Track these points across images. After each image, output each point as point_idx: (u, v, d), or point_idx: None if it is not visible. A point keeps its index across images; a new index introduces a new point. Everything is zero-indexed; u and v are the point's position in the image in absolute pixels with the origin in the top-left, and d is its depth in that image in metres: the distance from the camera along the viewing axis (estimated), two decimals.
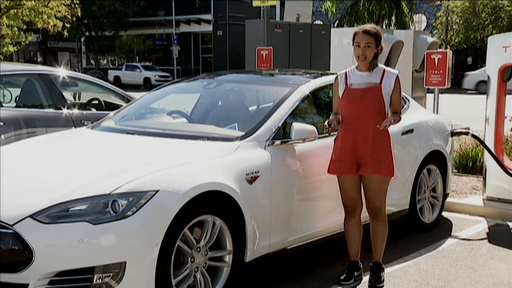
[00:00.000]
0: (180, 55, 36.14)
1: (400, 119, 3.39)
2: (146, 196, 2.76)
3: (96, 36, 38.41)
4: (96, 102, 6.02)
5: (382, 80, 3.32)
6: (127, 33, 40.02)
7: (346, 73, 3.45)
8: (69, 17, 23.38)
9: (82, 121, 5.27)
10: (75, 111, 5.47)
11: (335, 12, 18.44)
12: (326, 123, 3.31)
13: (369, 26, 3.35)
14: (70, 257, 2.62)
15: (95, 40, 38.46)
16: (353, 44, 3.35)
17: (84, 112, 5.59)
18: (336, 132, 3.51)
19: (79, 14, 25.50)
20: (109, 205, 2.72)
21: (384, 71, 3.36)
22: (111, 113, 4.39)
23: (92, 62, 42.29)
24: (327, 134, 3.59)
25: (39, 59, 45.61)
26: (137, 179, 2.83)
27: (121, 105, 5.58)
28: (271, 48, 8.46)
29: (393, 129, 3.98)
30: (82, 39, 40.90)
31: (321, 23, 33.63)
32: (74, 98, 6.69)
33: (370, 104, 3.28)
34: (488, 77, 5.23)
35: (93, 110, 5.84)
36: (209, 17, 37.93)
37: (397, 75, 3.37)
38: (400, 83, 3.37)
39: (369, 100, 3.29)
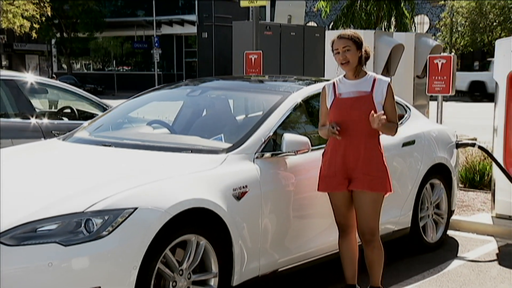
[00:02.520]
0: (161, 59, 36.16)
1: (396, 129, 3.44)
2: (123, 214, 2.76)
3: (69, 37, 38.33)
4: (69, 110, 6.02)
5: (373, 88, 3.38)
6: (103, 35, 40.02)
7: (334, 83, 3.51)
8: (38, 16, 23.30)
9: (53, 132, 5.26)
10: (45, 120, 5.45)
11: (329, 12, 18.62)
12: (333, 129, 3.29)
13: (344, 31, 3.46)
14: (38, 283, 2.60)
15: (67, 42, 38.37)
16: (333, 53, 3.42)
17: (55, 121, 5.57)
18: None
19: (49, 14, 25.41)
20: (82, 225, 2.71)
21: (374, 79, 3.43)
22: (85, 123, 4.39)
23: (64, 66, 42.15)
24: (321, 146, 3.63)
25: (3, 63, 45.34)
26: (114, 195, 2.83)
27: (96, 114, 5.58)
28: (261, 52, 8.52)
29: (392, 140, 4.04)
30: (53, 41, 40.82)
31: (315, 25, 33.94)
32: (50, 107, 6.68)
33: (361, 113, 3.33)
34: (496, 83, 5.30)
35: (65, 120, 5.82)
36: (193, 18, 38.09)
37: (389, 83, 3.43)
38: (392, 91, 3.43)
39: (360, 109, 3.34)
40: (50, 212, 2.74)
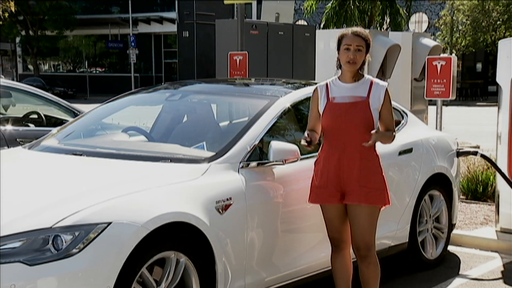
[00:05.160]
0: (138, 60, 36.07)
1: (393, 138, 3.48)
2: (95, 230, 2.75)
3: (35, 36, 38.06)
4: (35, 116, 5.98)
5: (369, 93, 3.41)
6: (74, 33, 39.84)
7: (327, 84, 3.52)
8: (0, 12, 23.12)
9: (18, 140, 5.22)
10: (8, 127, 5.42)
11: (315, 10, 18.73)
12: (303, 141, 3.34)
13: (359, 29, 3.48)
14: None
15: (34, 41, 38.11)
16: (338, 49, 3.43)
17: (20, 128, 5.54)
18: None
19: (13, 9, 25.24)
20: (50, 242, 2.70)
21: (371, 82, 3.45)
22: (54, 130, 4.38)
23: (30, 67, 41.86)
24: (311, 155, 3.65)
25: None
26: (85, 209, 2.82)
27: (66, 120, 5.56)
28: (246, 52, 8.55)
29: (388, 148, 4.07)
30: (17, 39, 40.49)
31: (305, 23, 34.12)
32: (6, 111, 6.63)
33: (357, 120, 3.36)
34: (499, 87, 5.37)
35: (31, 126, 5.79)
36: (173, 15, 38.09)
37: (387, 88, 3.46)
38: (390, 97, 3.47)
39: (355, 116, 3.37)
40: (13, 228, 2.71)
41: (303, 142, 3.35)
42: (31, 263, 2.63)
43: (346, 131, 3.37)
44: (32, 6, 36.69)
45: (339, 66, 3.47)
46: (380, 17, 18.45)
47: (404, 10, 19.02)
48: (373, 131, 3.30)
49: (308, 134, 3.38)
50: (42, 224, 2.73)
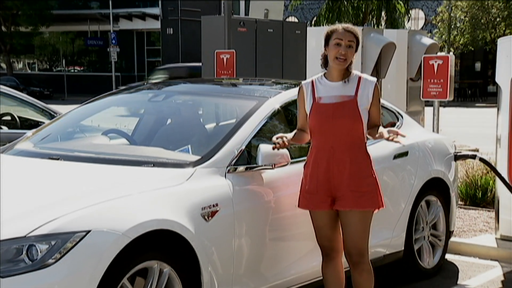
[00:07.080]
0: (119, 58, 35.98)
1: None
2: (73, 239, 2.74)
3: (8, 32, 37.85)
4: (8, 118, 5.96)
5: (357, 91, 3.41)
6: (50, 30, 39.66)
7: (312, 82, 3.51)
8: None
9: None
10: None
11: (299, 3, 18.85)
12: (274, 138, 3.36)
13: (349, 25, 3.50)
14: None
15: (7, 37, 37.89)
16: (326, 45, 3.41)
17: None
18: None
19: None
20: (24, 252, 2.69)
21: (359, 79, 3.44)
22: (29, 133, 4.36)
23: (3, 65, 41.59)
24: (301, 159, 3.66)
25: None
26: (62, 216, 2.81)
27: (42, 122, 5.54)
28: (234, 51, 8.56)
29: (382, 152, 4.10)
30: None
31: (296, 20, 34.23)
32: None
33: (345, 122, 3.37)
34: (499, 87, 5.42)
35: (4, 129, 5.76)
36: (156, 11, 38.07)
37: (376, 83, 3.47)
38: (379, 93, 3.48)
39: (343, 117, 3.37)
40: None
41: (274, 138, 3.35)
42: (4, 275, 2.62)
43: (334, 133, 3.38)
44: (5, 1, 36.46)
45: (325, 65, 3.46)
46: (376, 14, 18.59)
47: (401, 7, 19.19)
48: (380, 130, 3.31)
49: (277, 137, 3.36)
50: (15, 233, 2.72)
